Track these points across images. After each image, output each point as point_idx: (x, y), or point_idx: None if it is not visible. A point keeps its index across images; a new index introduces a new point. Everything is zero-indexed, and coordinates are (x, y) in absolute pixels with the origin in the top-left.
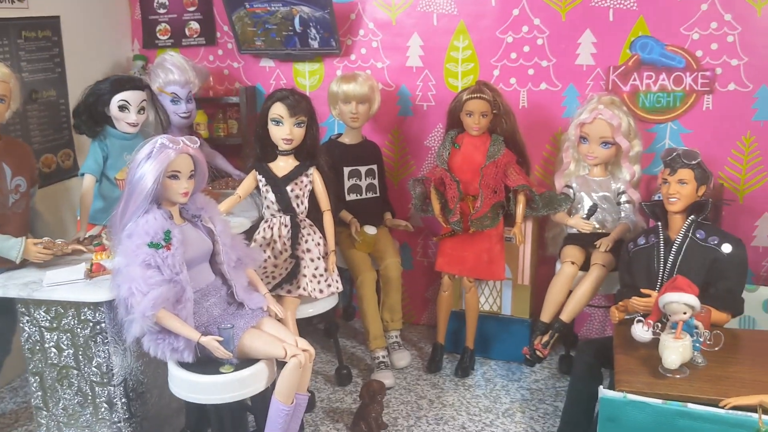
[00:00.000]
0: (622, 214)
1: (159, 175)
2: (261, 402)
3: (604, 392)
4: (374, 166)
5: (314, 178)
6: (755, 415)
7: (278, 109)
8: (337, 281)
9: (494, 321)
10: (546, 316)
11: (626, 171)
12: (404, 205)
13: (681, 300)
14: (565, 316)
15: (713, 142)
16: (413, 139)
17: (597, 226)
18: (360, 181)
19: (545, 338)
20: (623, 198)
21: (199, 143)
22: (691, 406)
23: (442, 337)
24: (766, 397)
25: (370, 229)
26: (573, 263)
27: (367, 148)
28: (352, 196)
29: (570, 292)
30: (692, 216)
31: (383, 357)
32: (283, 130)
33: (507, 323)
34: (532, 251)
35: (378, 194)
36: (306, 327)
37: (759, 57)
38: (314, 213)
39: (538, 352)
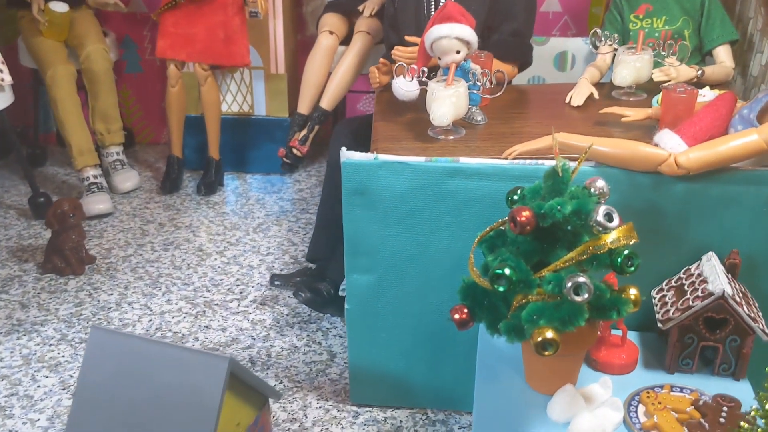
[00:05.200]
0: None
1: None
2: None
3: (346, 155)
4: None
5: None
6: (547, 162)
7: None
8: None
9: (247, 125)
10: (303, 107)
11: None
12: None
13: (452, 33)
14: (325, 103)
15: None
16: None
17: None
18: None
19: (303, 132)
20: None
21: None
22: (463, 160)
23: (178, 148)
24: (561, 134)
25: (59, 6)
26: (332, 33)
27: None
28: None
29: (331, 73)
30: None
31: (95, 177)
32: None
33: (263, 126)
34: (287, 31)
35: None
36: None
37: None
38: None
39: (295, 151)
